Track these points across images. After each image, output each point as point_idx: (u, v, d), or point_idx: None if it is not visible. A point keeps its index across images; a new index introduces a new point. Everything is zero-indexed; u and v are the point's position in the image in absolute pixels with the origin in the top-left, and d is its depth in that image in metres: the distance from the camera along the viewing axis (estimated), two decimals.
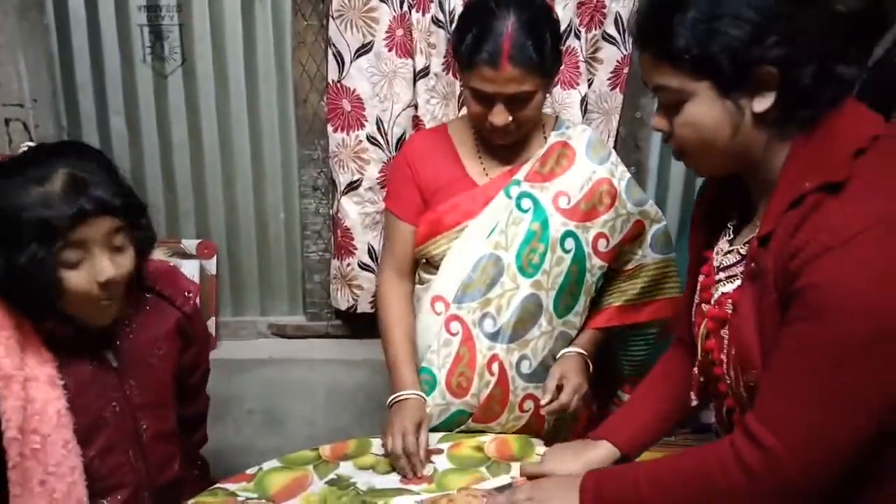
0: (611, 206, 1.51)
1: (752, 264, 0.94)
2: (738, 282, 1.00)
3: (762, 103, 0.91)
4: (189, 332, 1.38)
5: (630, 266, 1.59)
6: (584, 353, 1.54)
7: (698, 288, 1.12)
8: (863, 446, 0.86)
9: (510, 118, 1.39)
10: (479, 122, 1.44)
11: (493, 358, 1.47)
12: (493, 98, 1.38)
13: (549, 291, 1.49)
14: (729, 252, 1.04)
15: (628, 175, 1.57)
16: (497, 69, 1.34)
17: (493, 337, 1.47)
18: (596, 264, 1.52)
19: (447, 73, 1.99)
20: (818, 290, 0.83)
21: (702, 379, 1.10)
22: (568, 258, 1.49)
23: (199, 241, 2.22)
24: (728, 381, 1.01)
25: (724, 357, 1.01)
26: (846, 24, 0.88)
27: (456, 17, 1.93)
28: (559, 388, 1.47)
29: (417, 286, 1.59)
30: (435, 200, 1.52)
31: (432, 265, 1.54)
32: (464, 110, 1.88)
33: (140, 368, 1.28)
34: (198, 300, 1.42)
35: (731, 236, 1.08)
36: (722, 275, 1.04)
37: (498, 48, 1.33)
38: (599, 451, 1.23)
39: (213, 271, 2.22)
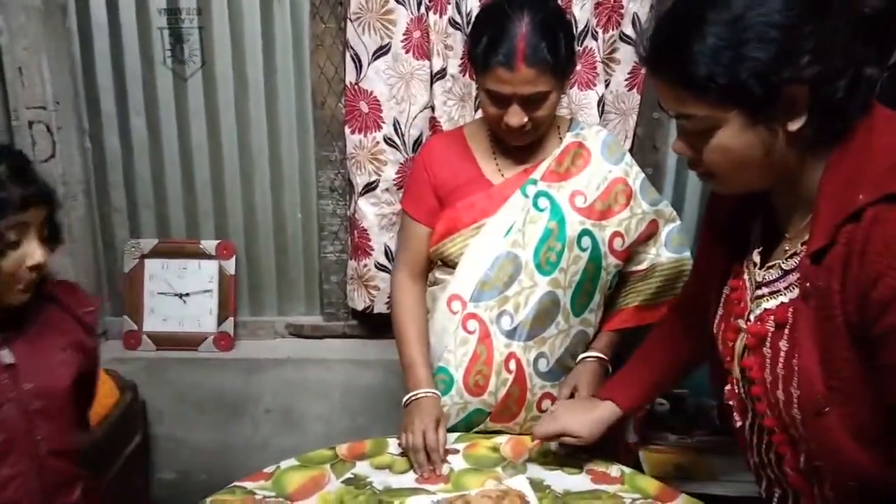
0: (626, 205, 1.52)
1: (807, 283, 0.89)
2: (783, 298, 0.96)
3: (796, 123, 0.87)
4: (88, 345, 1.36)
5: (644, 266, 1.60)
6: (604, 357, 1.56)
7: (724, 300, 1.09)
8: None
9: (526, 118, 1.40)
10: (496, 123, 1.45)
11: (511, 356, 1.48)
12: (508, 99, 1.39)
13: (567, 289, 1.49)
14: (771, 266, 0.99)
15: (643, 175, 1.57)
16: (512, 70, 1.35)
17: (511, 334, 1.48)
18: (612, 262, 1.53)
19: (464, 75, 2.00)
20: None
21: (743, 397, 1.06)
22: (585, 256, 1.49)
23: (218, 241, 2.24)
24: (773, 401, 0.97)
25: (767, 375, 0.97)
26: (870, 25, 0.84)
27: (472, 20, 1.94)
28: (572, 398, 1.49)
29: (433, 287, 1.60)
30: (450, 200, 1.53)
31: (447, 265, 1.54)
32: (479, 113, 1.89)
33: (38, 372, 1.24)
34: (97, 317, 1.41)
35: (760, 247, 1.04)
36: (765, 290, 1.00)
37: (513, 49, 1.34)
38: (604, 412, 1.35)
39: (232, 271, 2.24)
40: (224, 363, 2.25)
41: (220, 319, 2.26)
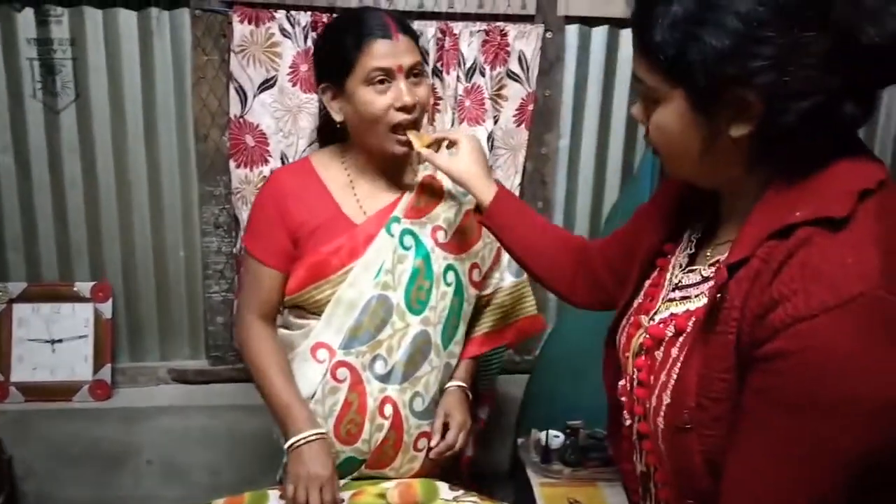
0: (479, 237, 1.53)
1: (718, 294, 0.83)
2: (690, 305, 0.92)
3: (739, 129, 0.81)
4: None
5: (489, 290, 1.62)
6: (465, 385, 1.55)
7: (643, 292, 1.04)
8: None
9: (416, 97, 1.37)
10: (382, 118, 1.36)
11: (386, 400, 1.43)
12: (392, 75, 1.35)
13: (437, 326, 1.47)
14: (692, 271, 0.94)
15: None
16: (391, 38, 1.35)
17: (385, 378, 1.43)
18: (472, 294, 1.54)
19: None
20: (809, 353, 0.73)
21: (623, 399, 1.02)
22: (450, 291, 1.48)
23: (93, 283, 2.11)
24: (648, 406, 0.93)
25: (651, 380, 0.93)
26: (873, 55, 0.75)
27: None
28: (445, 428, 1.48)
29: (289, 331, 1.50)
30: (312, 243, 1.43)
31: (308, 310, 1.47)
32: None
33: None
34: None
35: (693, 250, 0.98)
36: (677, 294, 0.95)
37: (384, 22, 1.36)
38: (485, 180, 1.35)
39: (109, 315, 2.11)
40: (101, 413, 2.10)
41: (97, 366, 2.11)
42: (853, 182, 0.78)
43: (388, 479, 1.46)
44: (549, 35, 2.05)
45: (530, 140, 2.11)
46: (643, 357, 0.97)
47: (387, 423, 1.43)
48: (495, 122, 2.07)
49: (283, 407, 1.41)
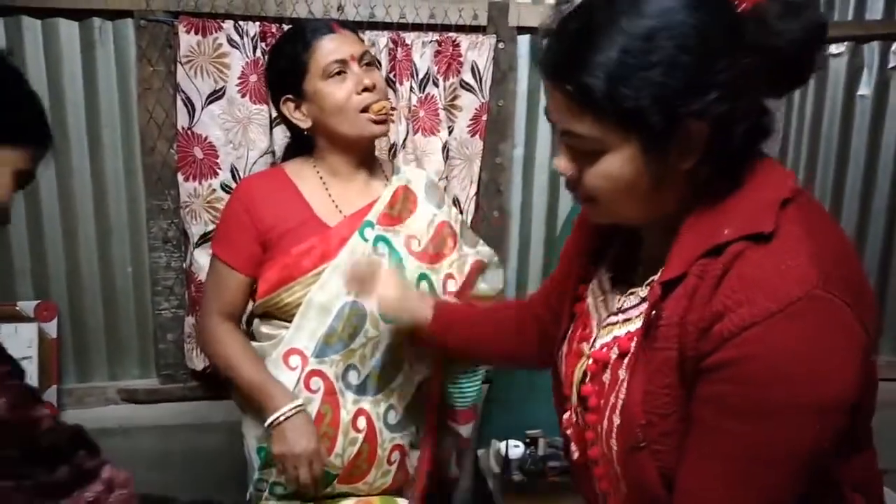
0: (454, 247, 1.54)
1: (653, 312, 0.84)
2: (631, 326, 0.92)
3: (688, 161, 0.81)
4: None
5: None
6: None
7: (573, 325, 1.05)
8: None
9: (374, 79, 1.40)
10: (346, 104, 1.38)
11: (360, 412, 1.41)
12: (347, 65, 1.39)
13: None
14: (631, 293, 0.95)
15: (461, 217, 1.64)
16: (335, 32, 1.40)
17: (360, 390, 1.41)
18: None
19: None
20: (757, 359, 0.75)
21: (581, 425, 1.01)
22: None
23: (37, 302, 2.03)
24: (600, 431, 0.93)
25: (602, 403, 0.93)
26: (778, 65, 0.80)
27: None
28: None
29: (259, 343, 1.47)
30: (283, 245, 1.41)
31: (278, 317, 1.44)
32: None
33: None
34: None
35: (612, 273, 1.01)
36: (620, 317, 0.95)
37: (324, 23, 1.44)
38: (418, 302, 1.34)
39: (54, 334, 2.03)
40: None
41: (42, 388, 2.03)
42: (771, 193, 0.82)
43: (360, 495, 1.44)
44: (501, 45, 2.06)
45: (485, 150, 2.11)
46: (589, 383, 0.97)
47: (360, 437, 1.41)
48: (450, 133, 2.06)
49: (256, 389, 1.38)
